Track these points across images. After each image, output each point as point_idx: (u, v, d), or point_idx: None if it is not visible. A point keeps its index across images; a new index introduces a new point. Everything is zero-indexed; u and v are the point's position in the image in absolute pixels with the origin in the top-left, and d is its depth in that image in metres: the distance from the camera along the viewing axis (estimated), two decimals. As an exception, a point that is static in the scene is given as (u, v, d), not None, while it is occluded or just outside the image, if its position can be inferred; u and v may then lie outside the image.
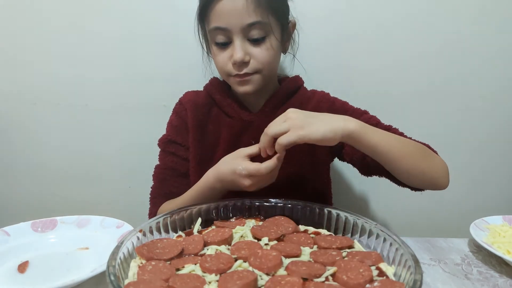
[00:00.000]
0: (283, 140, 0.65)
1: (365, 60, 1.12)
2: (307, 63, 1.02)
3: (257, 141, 0.88)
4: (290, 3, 0.87)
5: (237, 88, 0.85)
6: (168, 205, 0.86)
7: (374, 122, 0.86)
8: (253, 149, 0.74)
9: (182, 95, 0.97)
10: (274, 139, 0.68)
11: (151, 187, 0.92)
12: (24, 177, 1.20)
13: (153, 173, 0.92)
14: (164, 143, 0.93)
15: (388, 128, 0.85)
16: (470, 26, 1.10)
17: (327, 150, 0.92)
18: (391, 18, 1.09)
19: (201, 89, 0.97)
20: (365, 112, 0.91)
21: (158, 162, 0.93)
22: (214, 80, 0.95)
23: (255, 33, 0.79)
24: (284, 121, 0.68)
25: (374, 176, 0.96)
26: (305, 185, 0.92)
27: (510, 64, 1.14)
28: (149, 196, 0.91)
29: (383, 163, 0.73)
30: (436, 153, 0.81)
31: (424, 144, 0.81)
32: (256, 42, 0.80)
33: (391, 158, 0.71)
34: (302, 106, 0.92)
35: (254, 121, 0.90)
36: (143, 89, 1.13)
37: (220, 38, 0.80)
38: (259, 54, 0.81)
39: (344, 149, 0.89)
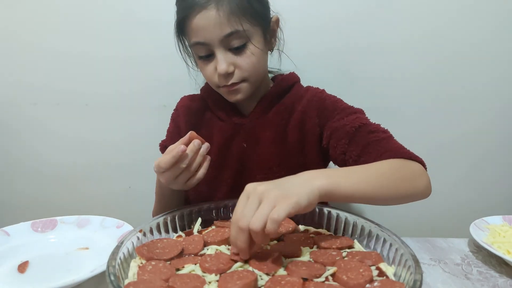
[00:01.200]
0: (279, 215, 0.50)
1: (364, 60, 1.12)
2: (304, 62, 1.02)
3: (248, 144, 0.88)
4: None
5: (227, 97, 0.85)
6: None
7: (358, 123, 0.80)
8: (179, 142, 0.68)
9: (179, 98, 0.97)
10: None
11: None
12: (24, 177, 1.20)
13: None
14: (161, 148, 0.95)
15: (377, 129, 0.80)
16: (470, 28, 1.11)
17: (317, 151, 0.89)
18: (390, 19, 1.09)
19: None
20: (358, 111, 0.84)
21: None
22: (207, 84, 0.94)
23: (235, 42, 0.77)
24: (259, 201, 0.53)
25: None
26: None
27: (510, 66, 1.14)
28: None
29: (362, 203, 0.68)
30: (418, 160, 0.74)
31: (404, 153, 0.74)
32: (237, 50, 0.78)
33: (368, 198, 0.64)
34: (295, 105, 0.90)
35: (245, 124, 0.89)
36: (143, 89, 1.13)
37: (202, 52, 0.79)
38: (243, 63, 0.79)
39: (329, 151, 0.86)
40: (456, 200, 1.24)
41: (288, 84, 0.92)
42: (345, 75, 1.13)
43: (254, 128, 0.89)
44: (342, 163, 0.81)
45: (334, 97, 0.90)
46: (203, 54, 0.80)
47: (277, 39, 0.88)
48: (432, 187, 1.25)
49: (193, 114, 0.93)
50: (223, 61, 0.77)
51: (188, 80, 0.99)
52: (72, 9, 1.07)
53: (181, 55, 0.88)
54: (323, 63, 1.12)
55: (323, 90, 0.92)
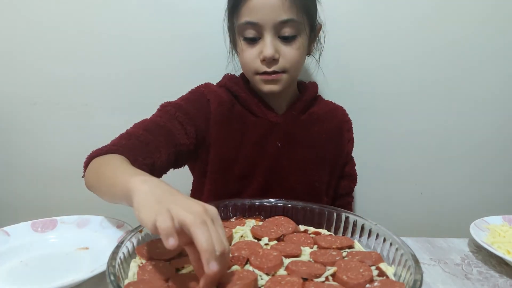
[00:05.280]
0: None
1: (367, 62, 1.12)
2: (313, 66, 1.02)
3: (283, 143, 0.88)
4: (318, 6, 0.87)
5: (262, 86, 0.82)
6: (97, 161, 0.70)
7: (351, 190, 1.01)
8: None
9: (201, 85, 0.91)
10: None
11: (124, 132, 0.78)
12: (24, 177, 1.20)
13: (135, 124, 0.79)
14: (173, 106, 0.82)
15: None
16: (470, 27, 1.11)
17: (341, 166, 0.97)
18: (393, 22, 1.09)
19: None
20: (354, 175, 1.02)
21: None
22: (233, 77, 0.91)
23: (287, 31, 0.78)
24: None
25: (373, 177, 1.08)
26: (323, 195, 0.94)
27: (510, 64, 1.14)
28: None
29: None
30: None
31: None
32: (286, 40, 0.79)
33: None
34: (328, 117, 0.94)
35: (280, 123, 0.88)
36: (143, 89, 1.13)
37: (250, 33, 0.78)
38: (289, 53, 0.79)
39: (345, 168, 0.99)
40: (456, 200, 1.24)
41: (315, 92, 0.95)
42: (345, 76, 1.13)
43: (290, 128, 0.89)
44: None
45: (353, 132, 1.00)
46: (251, 36, 0.79)
47: (319, 45, 0.91)
48: (433, 187, 1.26)
49: (224, 105, 0.86)
50: (271, 45, 0.77)
51: (189, 80, 0.98)
52: (71, 8, 1.07)
53: (226, 34, 0.89)
54: (323, 64, 1.12)
55: (346, 111, 1.00)
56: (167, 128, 0.79)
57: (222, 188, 0.86)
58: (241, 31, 0.80)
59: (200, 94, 0.88)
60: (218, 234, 0.44)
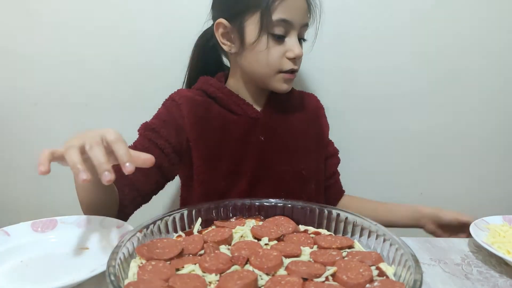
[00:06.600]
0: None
1: (361, 60, 1.12)
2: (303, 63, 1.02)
3: (266, 137, 0.91)
4: None
5: (281, 85, 0.86)
6: None
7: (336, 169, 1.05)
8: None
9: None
10: None
11: None
12: (24, 177, 1.20)
13: None
14: (147, 129, 0.86)
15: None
16: (469, 27, 1.11)
17: (324, 149, 1.01)
18: (388, 19, 1.10)
19: None
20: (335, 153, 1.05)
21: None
22: (208, 79, 0.93)
23: (303, 33, 0.87)
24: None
25: (373, 178, 1.10)
26: (310, 182, 0.95)
27: (510, 64, 1.14)
28: None
29: None
30: None
31: None
32: (300, 41, 0.86)
33: None
34: (304, 105, 0.98)
35: (260, 118, 0.91)
36: (143, 89, 1.13)
37: (280, 31, 0.82)
38: (302, 54, 0.85)
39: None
40: (456, 200, 1.24)
41: None
42: (345, 75, 1.13)
43: (270, 122, 0.92)
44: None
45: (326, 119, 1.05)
46: (280, 33, 0.82)
47: None
48: (433, 187, 1.26)
49: (199, 106, 0.89)
50: (298, 44, 0.84)
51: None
52: (72, 8, 1.07)
53: (238, 32, 0.87)
54: (322, 63, 1.12)
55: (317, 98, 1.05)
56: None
57: (211, 187, 0.88)
58: (271, 27, 0.82)
59: (171, 102, 0.90)
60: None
